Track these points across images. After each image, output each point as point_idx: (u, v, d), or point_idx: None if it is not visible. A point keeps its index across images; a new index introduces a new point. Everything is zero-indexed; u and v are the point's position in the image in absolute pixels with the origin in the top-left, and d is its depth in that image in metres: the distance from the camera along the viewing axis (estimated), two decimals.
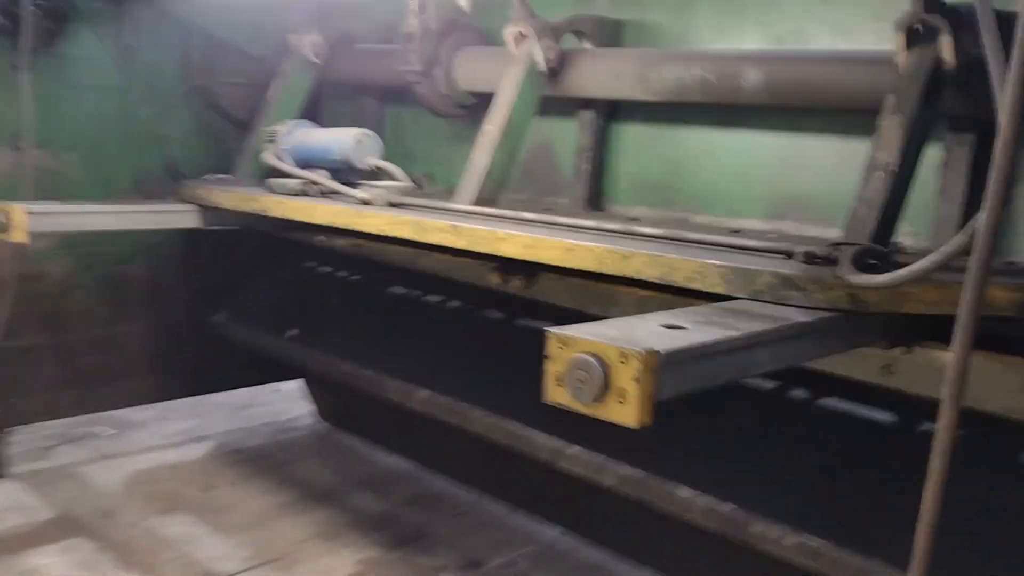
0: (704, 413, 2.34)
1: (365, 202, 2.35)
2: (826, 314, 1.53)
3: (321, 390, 4.04)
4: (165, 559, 2.85)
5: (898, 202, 1.71)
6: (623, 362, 1.24)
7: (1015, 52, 1.08)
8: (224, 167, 3.27)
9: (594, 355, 1.26)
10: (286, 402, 4.36)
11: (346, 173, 2.63)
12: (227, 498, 3.38)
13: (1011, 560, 1.77)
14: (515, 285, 2.46)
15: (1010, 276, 1.64)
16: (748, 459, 2.23)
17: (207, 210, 2.86)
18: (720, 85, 2.21)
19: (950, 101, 1.82)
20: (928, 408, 2.00)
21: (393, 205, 2.33)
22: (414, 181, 2.69)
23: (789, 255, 1.73)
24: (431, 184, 3.13)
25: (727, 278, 1.64)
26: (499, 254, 1.96)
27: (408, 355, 2.94)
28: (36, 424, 3.53)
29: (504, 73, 2.39)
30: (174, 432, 3.96)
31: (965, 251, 1.29)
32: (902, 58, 1.81)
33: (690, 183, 2.52)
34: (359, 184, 2.56)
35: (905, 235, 2.02)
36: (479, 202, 2.35)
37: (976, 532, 1.85)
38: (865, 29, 2.16)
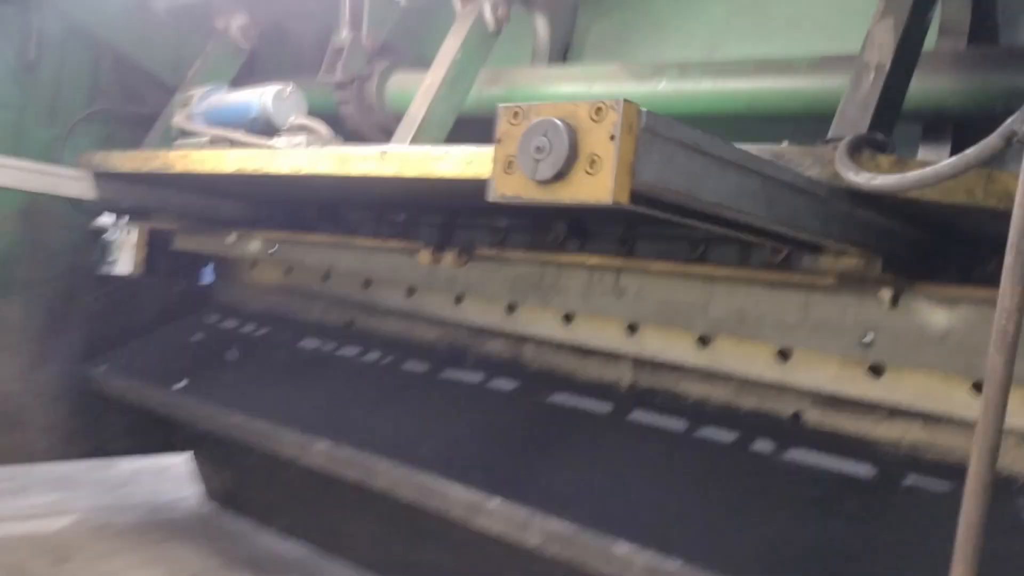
0: (652, 463, 2.07)
1: None
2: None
3: (210, 465, 3.56)
4: None
5: (895, 103, 1.52)
6: (596, 119, 0.99)
7: None
8: None
9: (559, 118, 1.01)
10: (172, 482, 3.81)
11: (267, 133, 2.32)
12: (81, 573, 2.84)
13: None
14: (449, 262, 2.17)
15: None
16: (700, 511, 1.90)
17: (102, 179, 2.54)
18: None
19: None
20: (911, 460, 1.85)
21: None
22: None
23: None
24: None
25: None
26: (435, 176, 1.69)
27: (310, 409, 2.56)
28: None
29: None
30: (34, 505, 3.38)
31: (994, 155, 1.10)
32: None
33: None
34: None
35: None
36: None
37: None
38: None
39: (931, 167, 1.08)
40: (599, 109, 0.98)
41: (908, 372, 1.76)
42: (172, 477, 3.83)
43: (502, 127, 1.05)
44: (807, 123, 1.69)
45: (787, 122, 1.97)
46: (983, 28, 1.75)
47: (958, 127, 1.79)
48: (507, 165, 1.05)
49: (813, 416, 1.94)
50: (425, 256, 2.23)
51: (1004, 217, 1.42)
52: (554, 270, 2.25)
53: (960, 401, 1.70)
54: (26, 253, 3.05)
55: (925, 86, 1.70)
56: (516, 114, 1.05)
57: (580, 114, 0.99)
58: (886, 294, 1.67)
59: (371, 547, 3.00)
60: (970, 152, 1.03)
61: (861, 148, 1.34)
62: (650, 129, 0.98)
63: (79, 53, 3.09)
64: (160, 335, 3.33)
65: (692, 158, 1.04)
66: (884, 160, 1.29)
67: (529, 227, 2.27)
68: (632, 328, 2.15)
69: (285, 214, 2.84)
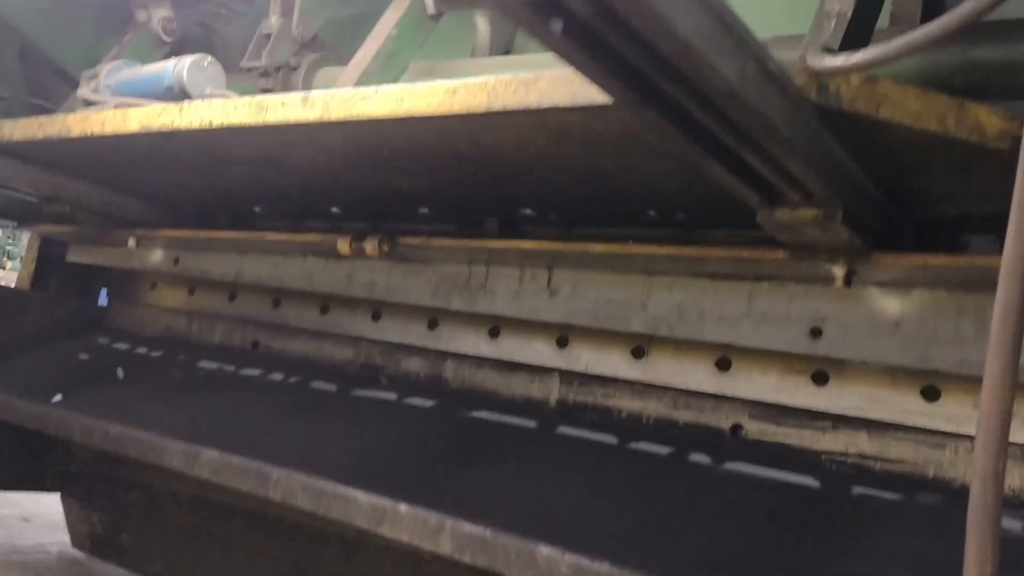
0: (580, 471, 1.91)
1: None
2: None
3: (79, 506, 3.21)
4: None
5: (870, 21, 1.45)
6: None
7: None
8: None
9: None
10: (37, 530, 3.43)
11: None
12: None
13: None
14: (371, 251, 2.00)
15: None
16: (628, 516, 1.74)
17: None
18: None
19: None
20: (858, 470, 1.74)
21: None
22: None
23: None
24: None
25: None
26: (364, 117, 1.54)
27: (200, 424, 2.31)
28: None
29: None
30: None
31: (969, 23, 1.02)
32: None
33: None
34: None
35: None
36: None
37: None
38: None
39: (919, 30, 0.98)
40: None
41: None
42: (39, 527, 3.47)
43: None
44: None
45: None
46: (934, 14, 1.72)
47: None
48: None
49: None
50: (344, 246, 2.06)
51: (968, 173, 1.35)
52: (482, 269, 2.11)
53: None
54: None
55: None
56: None
57: None
58: (839, 271, 1.56)
59: None
60: (965, 6, 0.93)
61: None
62: None
63: None
64: (43, 352, 3.04)
65: None
66: (855, 75, 1.20)
67: (458, 220, 2.14)
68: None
69: (191, 215, 2.64)
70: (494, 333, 2.21)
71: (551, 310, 2.00)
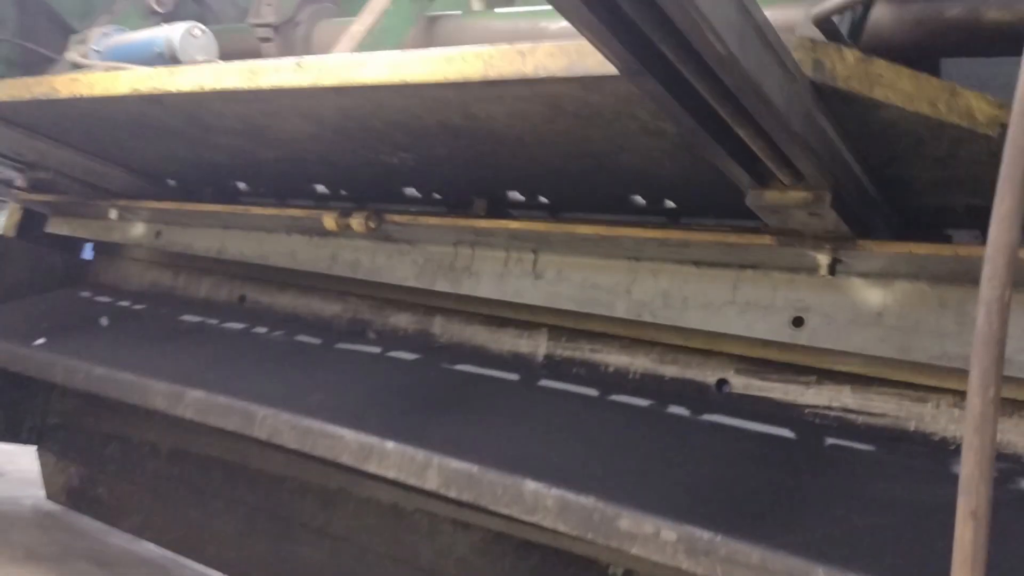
0: (565, 423, 1.92)
1: None
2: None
3: (55, 459, 3.18)
4: None
5: None
6: None
7: None
8: None
9: None
10: (10, 485, 3.43)
11: None
12: None
13: None
14: (357, 227, 1.99)
15: None
16: (611, 460, 1.75)
17: None
18: None
19: None
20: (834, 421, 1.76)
21: None
22: None
23: None
24: None
25: None
26: (357, 83, 1.53)
27: (185, 368, 2.30)
28: None
29: None
30: None
31: None
32: None
33: None
34: None
35: None
36: None
37: None
38: None
39: None
40: None
41: None
42: (11, 482, 3.45)
43: None
44: None
45: None
46: None
47: (911, 64, 1.74)
48: None
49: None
50: (330, 221, 2.05)
51: (955, 161, 1.37)
52: (468, 251, 2.10)
53: None
54: None
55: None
56: None
57: None
58: (824, 259, 1.57)
59: (233, 549, 2.68)
60: None
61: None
62: None
63: None
64: (26, 302, 3.02)
65: None
66: (850, 53, 1.21)
67: (445, 203, 2.13)
68: None
69: (174, 190, 2.61)
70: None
71: (535, 294, 2.01)
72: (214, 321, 2.64)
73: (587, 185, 1.84)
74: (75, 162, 2.45)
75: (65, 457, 3.16)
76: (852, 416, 1.72)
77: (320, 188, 2.34)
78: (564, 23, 1.91)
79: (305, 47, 2.45)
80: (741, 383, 1.86)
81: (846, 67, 1.23)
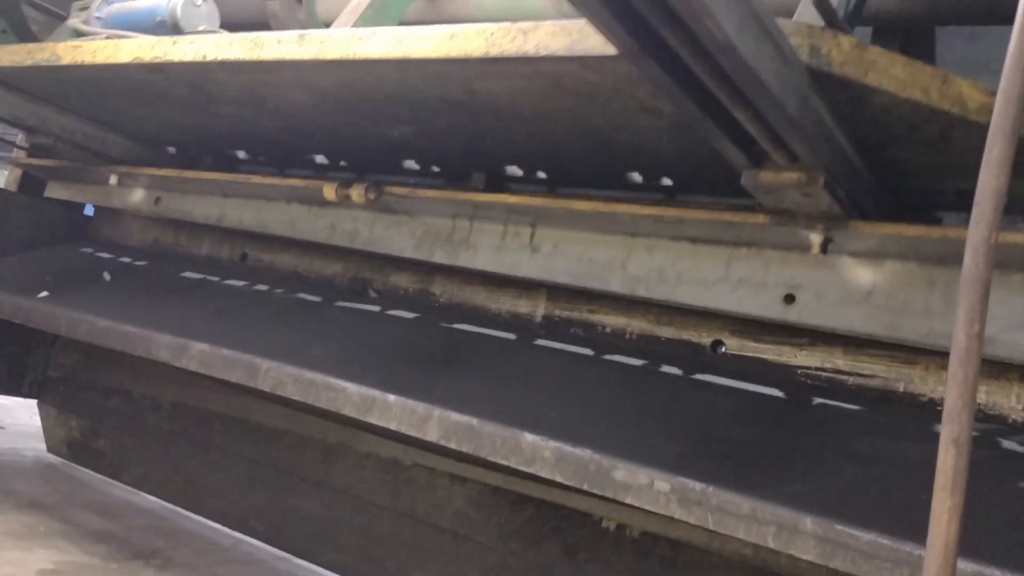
0: (560, 383, 1.95)
1: None
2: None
3: (56, 412, 3.23)
4: None
5: None
6: None
7: None
8: None
9: None
10: (11, 437, 3.47)
11: None
12: None
13: None
14: (356, 197, 2.01)
15: None
16: (607, 416, 1.80)
17: None
18: None
19: None
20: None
21: None
22: None
23: None
24: None
25: None
26: (360, 57, 1.55)
27: (190, 322, 2.33)
28: None
29: None
30: None
31: None
32: None
33: None
34: None
35: None
36: None
37: None
38: None
39: None
40: None
41: None
42: (10, 436, 3.48)
43: None
44: None
45: None
46: None
47: (907, 33, 1.77)
48: None
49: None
50: (330, 191, 2.07)
51: (946, 147, 1.39)
52: (466, 223, 2.13)
53: None
54: None
55: None
56: None
57: None
58: (816, 238, 1.60)
59: (233, 502, 2.73)
60: None
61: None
62: None
63: None
64: (28, 257, 3.04)
65: None
66: (845, 40, 1.24)
67: (445, 175, 2.15)
68: None
69: (174, 157, 2.63)
70: None
71: (531, 267, 2.03)
72: (216, 278, 2.66)
73: (585, 161, 1.86)
74: (75, 128, 2.46)
75: (66, 410, 3.20)
76: (843, 377, 1.76)
77: (320, 159, 2.35)
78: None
79: (310, 20, 2.46)
80: (736, 344, 1.89)
81: (841, 53, 1.25)
